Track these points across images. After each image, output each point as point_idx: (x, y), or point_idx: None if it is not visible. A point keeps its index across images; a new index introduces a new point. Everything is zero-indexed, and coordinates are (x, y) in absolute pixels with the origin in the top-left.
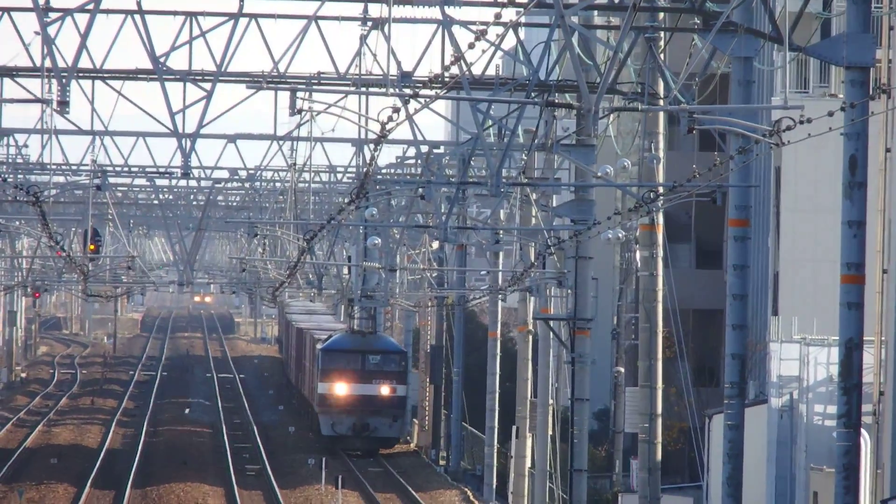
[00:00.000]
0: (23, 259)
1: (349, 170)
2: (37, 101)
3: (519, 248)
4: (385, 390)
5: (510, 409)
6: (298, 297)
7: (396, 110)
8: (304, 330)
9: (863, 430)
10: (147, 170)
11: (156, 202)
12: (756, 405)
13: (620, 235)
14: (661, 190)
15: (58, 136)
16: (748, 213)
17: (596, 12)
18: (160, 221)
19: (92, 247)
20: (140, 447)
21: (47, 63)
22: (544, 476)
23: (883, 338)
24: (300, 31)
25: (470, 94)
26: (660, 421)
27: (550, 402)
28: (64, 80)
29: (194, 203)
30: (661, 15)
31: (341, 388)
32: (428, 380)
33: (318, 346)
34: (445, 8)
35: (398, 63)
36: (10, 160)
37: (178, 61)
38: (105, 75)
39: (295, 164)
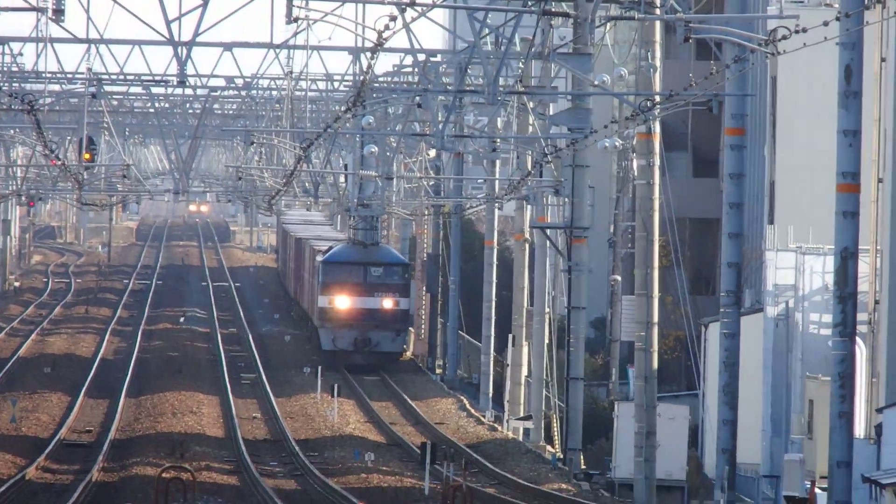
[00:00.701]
0: (17, 168)
1: (346, 78)
2: (32, 9)
3: (516, 156)
4: (388, 304)
5: (507, 318)
6: (295, 206)
7: (393, 18)
8: (303, 240)
9: (858, 339)
10: (143, 78)
11: (151, 110)
12: (752, 314)
13: (617, 144)
14: (657, 98)
15: (53, 45)
16: (744, 121)
17: None
18: (156, 130)
19: (87, 155)
20: (134, 356)
21: None
22: (541, 384)
23: (878, 247)
24: None
25: (467, 2)
26: (656, 329)
27: (547, 310)
28: None
29: (190, 111)
30: None
31: (342, 302)
32: (424, 288)
33: (319, 258)
34: None
35: None
36: (5, 68)
37: None
38: None
39: (291, 72)
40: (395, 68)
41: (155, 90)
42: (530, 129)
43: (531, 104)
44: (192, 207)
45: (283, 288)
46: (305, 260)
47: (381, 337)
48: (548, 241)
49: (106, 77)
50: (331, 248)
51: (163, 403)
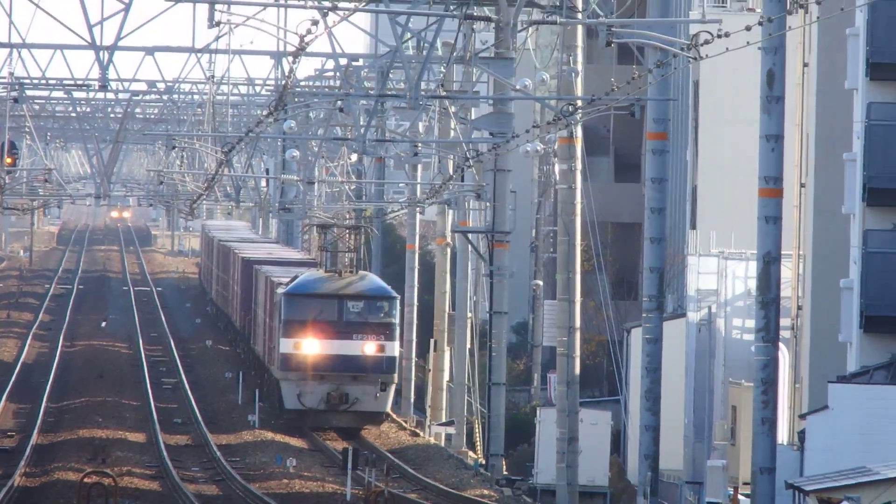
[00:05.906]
0: None
1: (268, 82)
2: None
3: (437, 160)
4: (370, 348)
5: (428, 322)
6: (216, 212)
7: (315, 23)
8: (253, 264)
9: (781, 345)
10: (65, 82)
11: (73, 115)
12: (674, 319)
13: (539, 148)
14: (579, 103)
15: None
16: (666, 126)
17: None
18: (78, 134)
19: (9, 160)
20: (56, 360)
21: None
22: (462, 390)
23: (801, 251)
24: None
25: (389, 6)
26: (578, 334)
27: (469, 315)
28: None
29: (112, 116)
30: None
31: (311, 346)
32: None
33: (280, 289)
34: None
35: None
36: None
37: None
38: None
39: (213, 76)
40: (317, 72)
41: (77, 94)
42: (452, 133)
43: (453, 108)
44: (115, 213)
45: (214, 304)
46: (258, 289)
47: (361, 392)
48: (469, 246)
49: (28, 81)
50: (295, 276)
51: (84, 408)
